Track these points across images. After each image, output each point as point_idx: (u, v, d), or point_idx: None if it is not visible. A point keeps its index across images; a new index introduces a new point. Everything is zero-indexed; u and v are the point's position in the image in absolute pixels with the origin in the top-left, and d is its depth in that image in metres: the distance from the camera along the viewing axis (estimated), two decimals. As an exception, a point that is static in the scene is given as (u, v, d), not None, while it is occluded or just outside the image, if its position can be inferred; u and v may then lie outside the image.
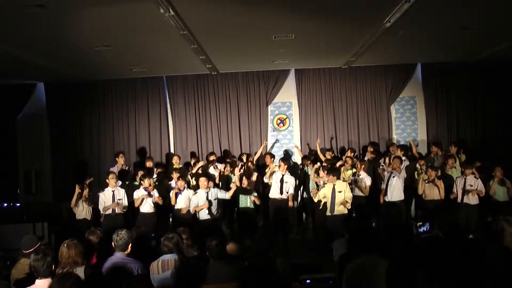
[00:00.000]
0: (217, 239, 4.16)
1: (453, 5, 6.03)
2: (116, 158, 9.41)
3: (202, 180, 7.56)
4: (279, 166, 8.37)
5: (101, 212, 7.75)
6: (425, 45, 8.60)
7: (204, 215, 7.54)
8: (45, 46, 7.21)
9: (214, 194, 7.62)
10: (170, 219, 8.46)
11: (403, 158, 8.79)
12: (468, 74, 10.40)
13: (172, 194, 7.84)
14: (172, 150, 10.70)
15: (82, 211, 7.77)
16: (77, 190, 7.68)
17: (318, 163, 8.78)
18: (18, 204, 9.16)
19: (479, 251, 3.77)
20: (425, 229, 5.74)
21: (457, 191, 7.96)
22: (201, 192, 7.57)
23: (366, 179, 8.21)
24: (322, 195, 7.50)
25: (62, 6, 5.32)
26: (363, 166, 8.33)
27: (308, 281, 4.14)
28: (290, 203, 8.23)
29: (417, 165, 8.67)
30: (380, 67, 10.50)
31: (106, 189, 7.87)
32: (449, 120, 10.57)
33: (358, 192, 8.18)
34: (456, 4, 6.00)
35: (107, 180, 7.94)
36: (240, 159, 9.34)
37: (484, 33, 7.62)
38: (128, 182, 8.81)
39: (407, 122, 10.78)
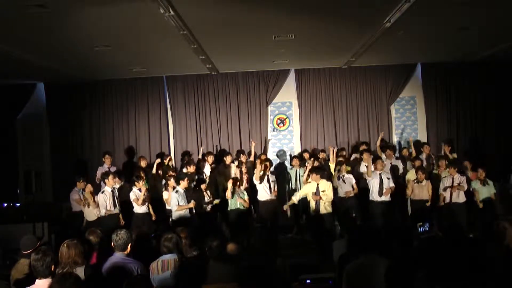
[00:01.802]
0: (218, 239, 4.16)
1: (453, 5, 6.03)
2: (103, 159, 9.35)
3: (185, 180, 7.55)
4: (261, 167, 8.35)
5: (103, 214, 7.70)
6: (425, 45, 8.61)
7: (177, 214, 7.51)
8: (45, 46, 7.21)
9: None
10: (170, 219, 8.45)
11: (383, 157, 8.85)
12: (468, 74, 10.41)
13: (168, 195, 7.71)
14: (172, 150, 10.69)
15: (87, 212, 7.76)
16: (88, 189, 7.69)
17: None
18: (18, 204, 9.15)
19: (479, 250, 3.77)
20: (425, 229, 5.73)
21: (445, 192, 7.97)
22: (181, 191, 7.54)
23: (351, 179, 8.29)
24: (303, 194, 7.75)
25: (62, 6, 5.33)
26: (343, 167, 8.37)
27: (308, 281, 4.14)
28: (286, 206, 8.42)
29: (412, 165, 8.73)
30: (380, 67, 10.50)
31: (105, 189, 7.87)
32: (449, 120, 10.57)
33: (344, 194, 8.24)
34: (456, 4, 5.99)
35: (106, 180, 7.89)
36: (238, 159, 9.33)
37: (484, 33, 7.62)
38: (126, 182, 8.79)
39: (407, 122, 10.77)
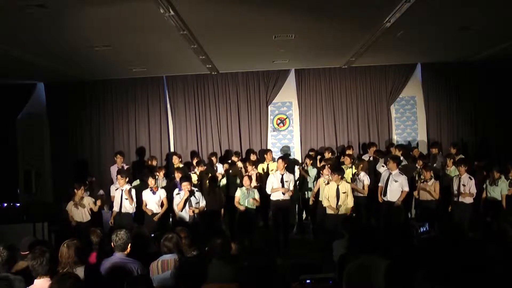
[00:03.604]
0: (221, 238, 4.15)
1: (453, 5, 6.03)
2: (115, 158, 9.48)
3: (185, 184, 7.44)
4: (277, 165, 8.34)
5: (114, 211, 7.92)
6: (425, 45, 8.60)
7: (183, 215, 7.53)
8: (45, 46, 7.21)
9: (196, 199, 7.55)
10: (170, 219, 8.47)
11: (401, 158, 8.82)
12: (468, 74, 10.40)
13: (182, 200, 7.50)
14: (172, 150, 10.70)
15: (78, 214, 7.78)
16: (79, 193, 7.68)
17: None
18: (18, 204, 9.15)
19: (479, 250, 3.77)
20: (425, 229, 5.74)
21: (453, 190, 7.98)
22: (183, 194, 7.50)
23: (364, 179, 8.22)
24: (326, 196, 7.58)
25: (62, 6, 5.32)
26: (361, 166, 8.32)
27: (308, 281, 4.14)
28: (286, 194, 8.14)
29: (417, 166, 8.69)
30: (380, 67, 10.50)
31: (117, 186, 8.02)
32: (449, 120, 10.58)
33: (357, 193, 8.19)
34: (456, 4, 5.99)
35: (117, 177, 8.07)
36: (248, 158, 9.42)
37: (484, 33, 7.61)
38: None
39: (407, 122, 10.78)
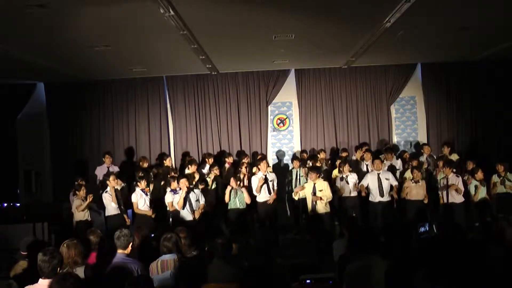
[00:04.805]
0: (223, 238, 4.15)
1: (453, 5, 6.03)
2: (103, 158, 9.39)
3: (183, 181, 7.43)
4: (259, 168, 8.33)
5: (110, 213, 7.78)
6: (425, 45, 8.60)
7: (183, 214, 7.52)
8: (45, 46, 7.21)
9: (195, 196, 7.55)
10: (170, 219, 8.45)
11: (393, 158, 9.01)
12: (468, 74, 10.41)
13: (180, 199, 7.45)
14: (172, 150, 10.69)
15: (80, 213, 7.75)
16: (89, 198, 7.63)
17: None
18: (18, 204, 9.15)
19: (479, 250, 3.77)
20: (425, 229, 5.75)
21: (441, 192, 7.98)
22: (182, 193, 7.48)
23: (351, 180, 8.25)
24: (303, 194, 7.80)
25: (62, 6, 5.32)
26: (346, 167, 8.35)
27: (308, 281, 4.14)
28: (271, 200, 8.22)
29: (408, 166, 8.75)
30: (380, 67, 10.50)
31: (107, 189, 7.86)
32: (449, 120, 10.58)
33: (351, 193, 8.25)
34: (456, 4, 6.00)
35: (107, 182, 7.89)
36: (240, 160, 9.38)
37: (484, 33, 7.62)
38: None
39: (407, 122, 10.78)
